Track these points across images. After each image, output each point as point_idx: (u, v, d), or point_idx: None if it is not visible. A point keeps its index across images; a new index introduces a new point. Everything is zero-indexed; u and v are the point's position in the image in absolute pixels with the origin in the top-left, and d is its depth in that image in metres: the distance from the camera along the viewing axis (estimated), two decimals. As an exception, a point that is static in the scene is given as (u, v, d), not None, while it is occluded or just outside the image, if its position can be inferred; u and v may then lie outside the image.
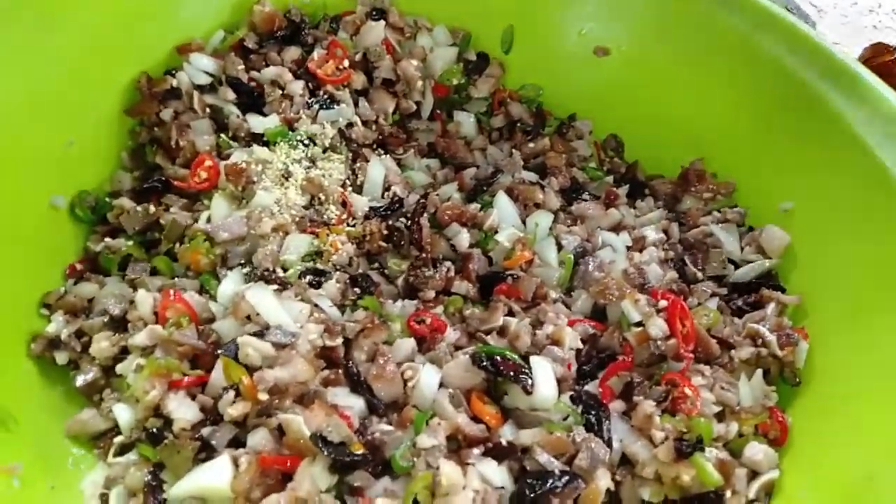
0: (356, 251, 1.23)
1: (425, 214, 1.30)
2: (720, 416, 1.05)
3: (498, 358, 1.04)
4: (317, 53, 1.39)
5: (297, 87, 1.34)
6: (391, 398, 1.04)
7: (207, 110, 1.32)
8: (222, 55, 1.36)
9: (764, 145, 1.27)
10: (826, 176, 1.19)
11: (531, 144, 1.46)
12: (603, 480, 0.93)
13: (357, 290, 1.20)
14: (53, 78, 1.19)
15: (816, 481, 1.00)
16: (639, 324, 1.11)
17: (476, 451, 0.97)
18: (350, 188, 1.33)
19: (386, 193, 1.34)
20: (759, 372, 1.10)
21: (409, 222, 1.26)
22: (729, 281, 1.23)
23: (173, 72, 1.32)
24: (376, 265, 1.27)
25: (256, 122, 1.30)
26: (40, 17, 1.16)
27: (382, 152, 1.42)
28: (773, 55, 1.23)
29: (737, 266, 1.24)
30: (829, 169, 1.18)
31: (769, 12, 1.25)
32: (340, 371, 1.05)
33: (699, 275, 1.21)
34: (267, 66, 1.36)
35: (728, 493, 0.97)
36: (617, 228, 1.31)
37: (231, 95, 1.32)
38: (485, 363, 1.03)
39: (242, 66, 1.35)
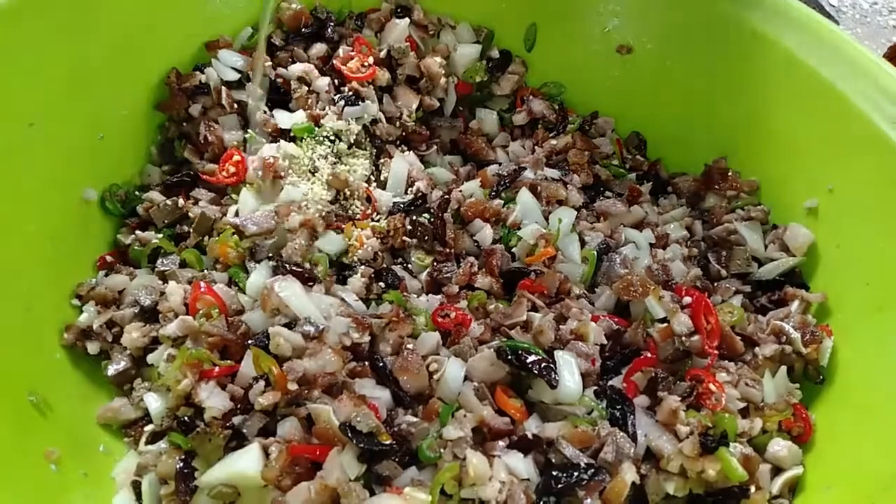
0: (380, 246, 1.25)
1: (448, 210, 1.32)
2: (744, 413, 1.06)
3: (522, 352, 1.05)
4: (342, 50, 1.41)
5: (323, 83, 1.36)
6: (417, 391, 1.05)
7: (235, 106, 1.33)
8: (250, 52, 1.38)
9: (788, 143, 1.27)
10: (850, 174, 1.19)
11: (553, 142, 1.47)
12: (628, 474, 0.94)
13: (382, 284, 1.21)
14: (85, 74, 1.21)
15: (840, 478, 1.01)
16: (663, 320, 1.11)
17: (501, 443, 0.99)
18: (374, 184, 1.34)
19: (409, 189, 1.35)
20: (783, 369, 1.11)
21: (433, 218, 1.28)
22: (753, 278, 1.23)
23: (202, 68, 1.34)
24: (400, 260, 1.28)
25: (283, 118, 1.32)
26: (74, 15, 1.18)
27: (406, 148, 1.44)
28: (799, 53, 1.23)
29: (760, 264, 1.24)
30: (853, 167, 1.18)
31: (795, 11, 1.25)
32: (367, 363, 1.06)
33: (723, 272, 1.22)
34: (293, 62, 1.38)
35: (752, 489, 0.98)
36: (640, 225, 1.32)
37: (258, 91, 1.34)
38: (509, 357, 1.04)
39: (269, 63, 1.37)
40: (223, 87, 1.33)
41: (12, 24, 1.08)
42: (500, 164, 1.48)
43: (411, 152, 1.43)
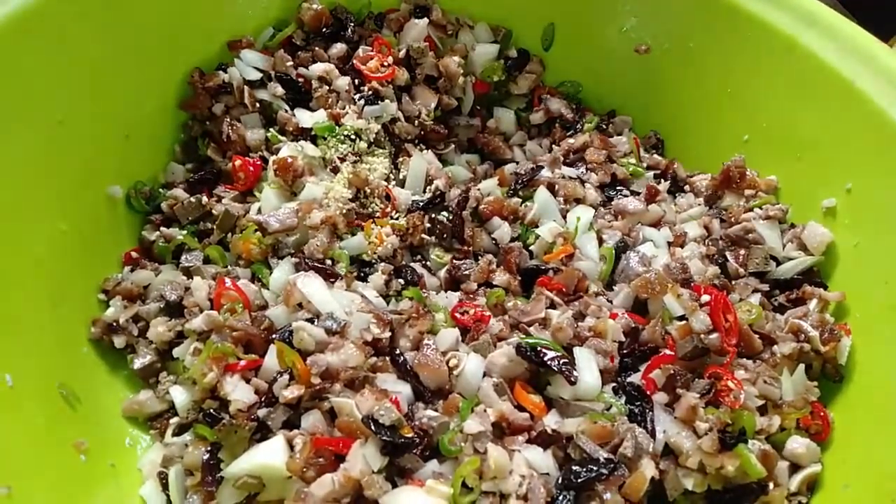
0: (400, 244, 1.26)
1: (467, 208, 1.33)
2: (762, 410, 1.06)
3: (541, 349, 1.06)
4: (362, 50, 1.42)
5: (343, 82, 1.38)
6: (436, 386, 1.06)
7: (257, 105, 1.35)
8: (271, 51, 1.40)
9: (807, 142, 1.27)
10: (869, 173, 1.19)
11: (570, 140, 1.48)
12: (648, 469, 0.95)
13: (401, 281, 1.23)
14: (111, 73, 1.23)
15: (859, 477, 1.01)
16: (681, 317, 1.12)
17: (521, 438, 1.00)
18: (393, 182, 1.36)
19: (428, 188, 1.37)
20: (802, 367, 1.11)
21: (451, 216, 1.29)
22: (771, 277, 1.23)
23: (225, 67, 1.36)
24: (419, 258, 1.30)
25: (305, 117, 1.34)
26: (100, 15, 1.20)
27: (424, 147, 1.45)
28: (818, 52, 1.23)
29: (778, 263, 1.24)
30: (872, 166, 1.18)
31: (816, 9, 1.25)
32: (387, 359, 1.08)
33: (741, 271, 1.22)
34: (314, 62, 1.40)
35: (770, 486, 0.98)
36: (658, 224, 1.33)
37: (280, 90, 1.36)
38: (528, 354, 1.05)
39: (291, 63, 1.39)
40: (245, 87, 1.35)
41: (41, 24, 1.10)
42: (517, 163, 1.50)
43: (429, 151, 1.44)
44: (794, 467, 1.04)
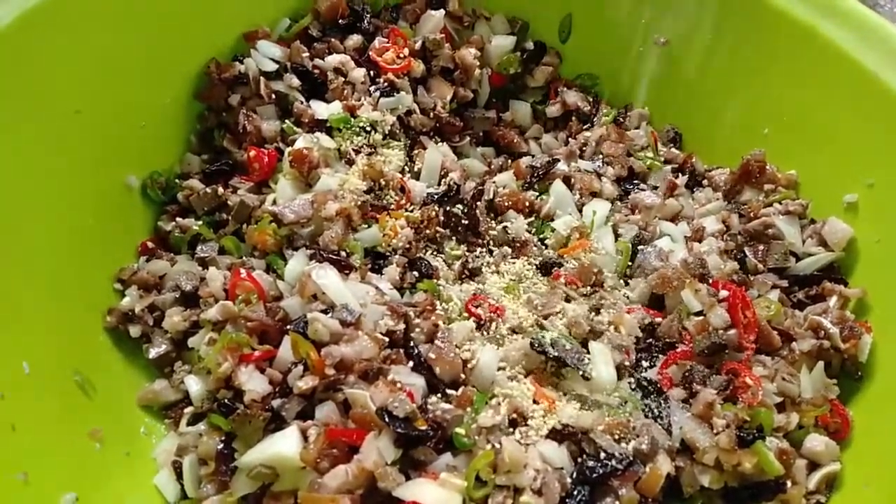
0: (414, 236, 1.26)
1: (482, 201, 1.32)
2: (780, 408, 1.05)
3: (557, 342, 1.05)
4: (378, 41, 1.42)
5: (359, 74, 1.37)
6: (451, 378, 1.06)
7: (273, 96, 1.35)
8: (287, 42, 1.40)
9: (828, 137, 1.25)
10: (891, 168, 1.17)
11: (587, 133, 1.47)
12: (664, 465, 0.94)
13: (415, 273, 1.22)
14: (128, 63, 1.23)
15: (879, 477, 0.99)
16: (699, 313, 1.11)
17: (535, 432, 0.99)
18: (408, 174, 1.35)
19: (443, 180, 1.36)
20: (821, 364, 1.09)
21: (466, 208, 1.28)
22: (790, 273, 1.21)
23: (241, 58, 1.36)
24: (434, 250, 1.29)
25: (320, 109, 1.33)
26: (117, 6, 1.20)
27: (439, 140, 1.44)
28: (841, 44, 1.21)
29: (798, 258, 1.22)
30: (894, 161, 1.16)
31: (838, 1, 1.23)
32: (402, 351, 1.07)
33: (760, 266, 1.20)
34: (330, 53, 1.39)
35: (788, 483, 0.97)
36: (675, 218, 1.31)
37: (296, 82, 1.35)
38: (544, 348, 1.05)
39: (307, 54, 1.38)
40: (261, 78, 1.35)
41: (59, 16, 1.11)
42: (532, 156, 1.48)
43: (445, 143, 1.44)
44: (813, 465, 1.03)
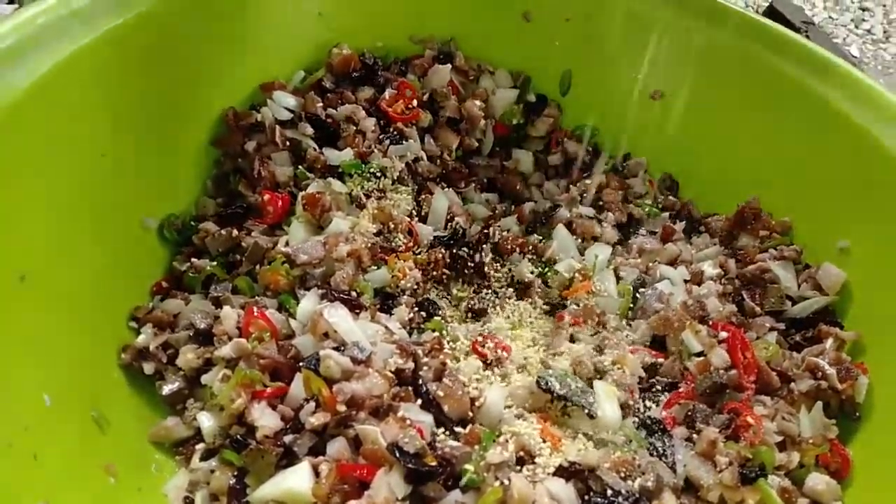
0: (422, 277, 1.30)
1: (487, 243, 1.37)
2: (781, 446, 1.07)
3: (562, 382, 1.08)
4: (388, 93, 1.49)
5: (370, 123, 1.44)
6: (458, 416, 1.08)
7: (287, 143, 1.41)
8: (302, 93, 1.47)
9: (821, 186, 1.31)
10: (882, 215, 1.22)
11: (587, 181, 1.53)
12: (669, 502, 0.95)
13: (423, 313, 1.26)
14: (152, 111, 1.29)
15: (881, 517, 1.01)
16: (699, 353, 1.14)
17: (543, 469, 1.01)
18: (416, 218, 1.40)
19: (449, 224, 1.41)
20: (819, 404, 1.12)
21: (472, 251, 1.33)
22: (787, 316, 1.25)
23: (258, 107, 1.43)
24: (441, 291, 1.33)
25: (332, 155, 1.39)
26: (144, 58, 1.26)
27: (445, 186, 1.50)
28: (831, 99, 1.28)
29: (794, 302, 1.26)
30: (885, 209, 1.22)
31: (826, 60, 1.31)
32: (410, 388, 1.10)
33: (757, 309, 1.24)
34: (343, 104, 1.46)
35: (791, 523, 0.99)
36: (675, 262, 1.36)
37: (309, 130, 1.42)
38: (549, 387, 1.07)
39: (321, 104, 1.45)
40: (277, 126, 1.41)
41: (89, 68, 1.16)
42: (535, 202, 1.54)
43: (451, 189, 1.49)
44: (815, 505, 1.04)
